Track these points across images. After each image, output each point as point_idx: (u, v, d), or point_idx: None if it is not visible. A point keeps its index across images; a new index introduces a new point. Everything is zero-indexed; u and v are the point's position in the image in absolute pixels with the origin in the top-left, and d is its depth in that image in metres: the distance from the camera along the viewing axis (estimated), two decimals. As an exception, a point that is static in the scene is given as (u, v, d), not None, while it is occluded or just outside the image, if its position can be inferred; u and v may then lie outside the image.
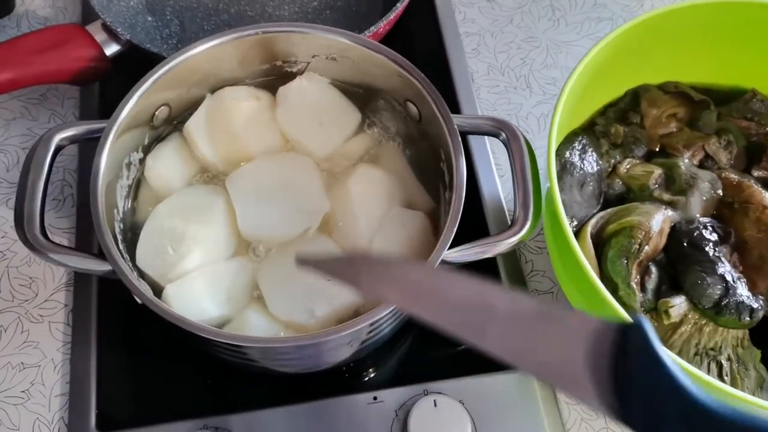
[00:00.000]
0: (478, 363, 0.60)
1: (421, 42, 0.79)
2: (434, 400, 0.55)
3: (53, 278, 0.64)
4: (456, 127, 0.53)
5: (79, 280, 0.63)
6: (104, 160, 0.51)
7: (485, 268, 0.62)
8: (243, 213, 0.55)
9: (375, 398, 0.58)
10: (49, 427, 0.58)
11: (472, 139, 0.71)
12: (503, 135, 0.55)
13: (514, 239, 0.51)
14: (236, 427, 0.57)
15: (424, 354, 0.62)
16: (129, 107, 0.53)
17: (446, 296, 0.32)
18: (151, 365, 0.61)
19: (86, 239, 0.64)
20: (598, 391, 0.26)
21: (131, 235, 0.56)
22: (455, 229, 0.49)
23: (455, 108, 0.73)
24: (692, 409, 0.24)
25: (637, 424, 0.26)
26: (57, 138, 0.53)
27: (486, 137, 0.67)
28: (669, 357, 0.26)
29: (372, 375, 0.61)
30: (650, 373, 0.25)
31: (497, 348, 0.29)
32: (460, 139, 0.53)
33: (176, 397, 0.59)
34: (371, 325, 0.47)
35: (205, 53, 0.56)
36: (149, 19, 0.76)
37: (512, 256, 0.66)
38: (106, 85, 0.72)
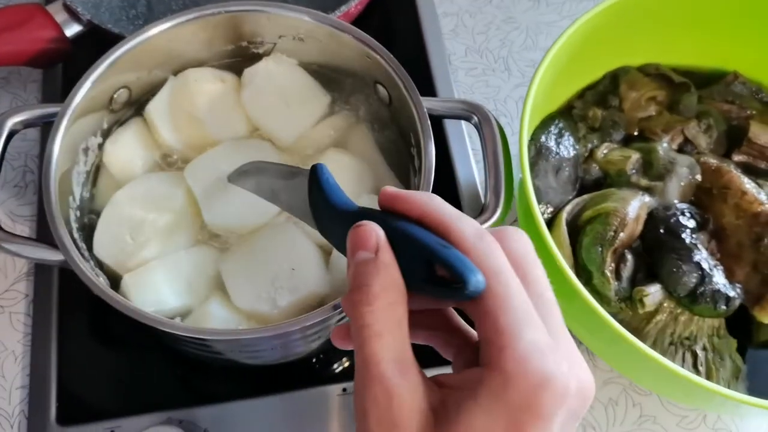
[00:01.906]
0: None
1: (398, 22, 0.77)
2: (403, 392, 0.53)
3: (14, 268, 0.62)
4: (425, 110, 0.51)
5: (40, 270, 0.61)
6: (57, 145, 0.49)
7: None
8: (206, 204, 0.53)
9: (344, 389, 0.57)
10: (9, 420, 0.56)
11: (449, 124, 0.69)
12: (475, 118, 0.53)
13: (485, 226, 0.49)
14: (203, 419, 0.55)
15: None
16: (84, 90, 0.51)
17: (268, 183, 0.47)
18: (115, 357, 0.60)
19: (47, 228, 0.62)
20: (313, 216, 0.38)
21: (90, 223, 0.54)
22: (422, 216, 0.48)
23: (431, 91, 0.71)
24: (334, 211, 0.36)
25: (327, 232, 0.38)
26: (10, 122, 0.51)
27: (462, 121, 0.66)
28: (327, 181, 0.37)
29: (342, 366, 0.59)
30: (318, 196, 0.37)
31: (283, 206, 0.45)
32: (429, 122, 0.51)
33: (140, 390, 0.58)
34: (326, 319, 0.45)
35: (165, 34, 0.54)
36: (115, -2, 0.73)
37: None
38: (68, 67, 0.69)
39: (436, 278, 0.31)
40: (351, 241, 0.32)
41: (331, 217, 0.36)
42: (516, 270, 0.31)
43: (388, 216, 0.33)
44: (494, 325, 0.29)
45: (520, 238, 0.32)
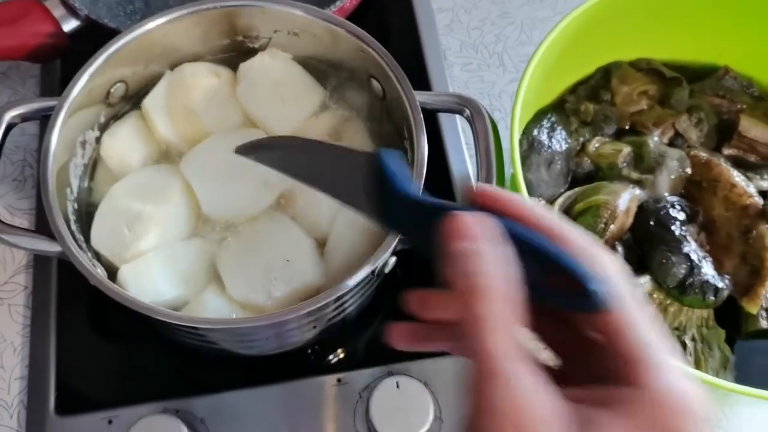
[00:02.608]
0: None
1: (393, 18, 0.77)
2: (396, 382, 0.54)
3: (13, 260, 0.63)
4: (418, 103, 0.52)
5: (39, 263, 0.62)
6: (55, 138, 0.50)
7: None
8: (204, 194, 0.54)
9: (339, 380, 0.58)
10: (8, 410, 0.57)
11: (443, 118, 0.70)
12: (467, 112, 0.53)
13: (476, 218, 0.50)
14: (199, 409, 0.56)
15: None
16: (81, 85, 0.51)
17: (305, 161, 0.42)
18: (113, 348, 0.61)
19: (46, 221, 0.63)
20: (370, 206, 0.35)
21: (87, 215, 0.54)
22: (414, 208, 0.48)
23: (426, 86, 0.72)
24: (407, 203, 0.33)
25: (389, 222, 0.35)
26: (8, 116, 0.51)
27: (457, 115, 0.66)
28: (392, 169, 0.33)
29: (338, 357, 0.60)
30: (383, 186, 0.33)
31: (322, 188, 0.40)
32: (421, 116, 0.51)
33: (138, 380, 0.58)
34: (319, 310, 0.46)
35: (161, 28, 0.55)
36: (113, -7, 0.74)
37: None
38: (67, 62, 0.70)
39: (548, 286, 0.29)
40: (451, 229, 0.29)
41: (402, 208, 0.33)
42: None
43: (500, 218, 0.30)
44: (636, 341, 0.28)
45: (617, 258, 0.32)
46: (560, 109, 0.63)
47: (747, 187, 0.56)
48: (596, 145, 0.60)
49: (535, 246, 0.29)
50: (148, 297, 0.49)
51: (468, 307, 0.28)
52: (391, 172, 0.33)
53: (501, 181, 0.51)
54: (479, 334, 0.27)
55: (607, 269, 0.29)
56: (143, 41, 0.54)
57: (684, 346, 0.53)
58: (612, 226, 0.54)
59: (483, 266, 0.28)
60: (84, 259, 0.46)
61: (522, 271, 0.29)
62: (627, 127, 0.62)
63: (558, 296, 0.29)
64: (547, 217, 0.31)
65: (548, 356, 0.32)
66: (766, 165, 0.60)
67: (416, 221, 0.32)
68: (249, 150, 0.47)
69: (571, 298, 0.28)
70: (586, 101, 0.62)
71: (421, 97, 0.53)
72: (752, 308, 0.54)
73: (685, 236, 0.54)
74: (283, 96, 0.58)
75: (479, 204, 0.31)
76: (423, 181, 0.49)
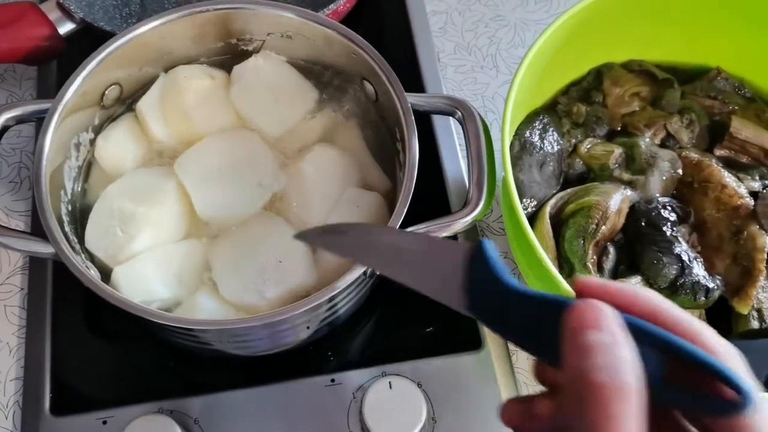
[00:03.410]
0: (438, 345, 0.60)
1: (387, 20, 0.78)
2: (389, 382, 0.55)
3: (9, 262, 0.63)
4: (409, 105, 0.52)
5: (35, 264, 0.62)
6: (48, 140, 0.50)
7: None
8: (198, 196, 0.54)
9: (333, 380, 0.58)
10: (3, 411, 0.57)
11: (437, 119, 0.70)
12: (459, 114, 0.54)
13: (468, 219, 0.50)
14: (194, 409, 0.56)
15: (383, 336, 0.62)
16: (75, 87, 0.52)
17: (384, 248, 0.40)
18: (108, 348, 0.61)
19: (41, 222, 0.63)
20: (461, 297, 0.33)
21: (82, 217, 0.55)
22: (405, 209, 0.49)
23: (420, 88, 0.72)
24: (510, 295, 0.32)
25: (481, 314, 0.33)
26: (2, 118, 0.52)
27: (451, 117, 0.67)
28: (497, 262, 0.33)
29: (331, 357, 0.60)
30: (485, 276, 0.33)
31: (408, 281, 0.36)
32: (413, 117, 0.52)
33: (132, 381, 0.59)
34: (311, 310, 0.46)
35: (155, 31, 0.55)
36: (108, -3, 0.74)
37: (474, 237, 0.65)
38: (63, 64, 0.70)
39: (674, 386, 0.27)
40: (581, 318, 0.28)
41: (505, 302, 0.32)
42: None
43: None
44: None
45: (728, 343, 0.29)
46: (552, 111, 0.63)
47: (738, 187, 0.57)
48: (588, 147, 0.60)
49: (661, 339, 0.27)
50: (141, 298, 0.50)
51: (599, 406, 0.26)
52: (498, 266, 0.32)
53: (492, 182, 0.51)
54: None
55: (740, 369, 0.27)
56: (137, 44, 0.55)
57: (675, 346, 0.53)
58: (603, 227, 0.54)
59: (618, 362, 0.26)
60: (77, 261, 0.46)
61: (646, 367, 0.27)
62: (619, 129, 0.63)
63: (690, 397, 0.27)
64: (673, 312, 0.29)
65: None
66: (757, 166, 0.60)
67: (522, 316, 0.30)
68: (317, 235, 0.45)
69: (704, 398, 0.27)
70: (578, 102, 0.63)
71: (413, 99, 0.53)
72: (743, 309, 0.54)
73: (676, 237, 0.54)
74: (277, 98, 0.58)
75: (592, 297, 0.29)
76: (414, 182, 0.50)
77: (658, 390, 0.27)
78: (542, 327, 0.30)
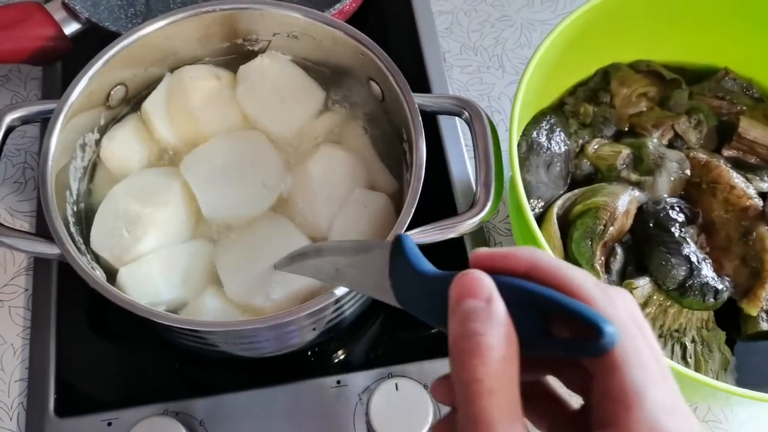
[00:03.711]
0: (444, 346, 0.60)
1: (393, 20, 0.78)
2: (396, 384, 0.54)
3: (14, 263, 0.63)
4: (416, 105, 0.52)
5: (39, 265, 0.62)
6: (54, 141, 0.50)
7: (453, 250, 0.61)
8: (204, 196, 0.54)
9: (338, 382, 0.58)
10: (8, 412, 0.57)
11: (443, 120, 0.70)
12: (466, 114, 0.53)
13: (475, 220, 0.50)
14: (199, 411, 0.56)
15: (390, 337, 0.61)
16: (80, 87, 0.51)
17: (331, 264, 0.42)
18: (113, 350, 0.61)
19: (46, 223, 0.63)
20: (390, 291, 0.34)
21: (87, 217, 0.55)
22: (413, 210, 0.48)
23: (426, 88, 0.72)
24: (423, 279, 0.32)
25: (409, 305, 0.34)
26: (7, 118, 0.52)
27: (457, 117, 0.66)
28: (412, 251, 0.34)
29: (337, 359, 0.60)
30: (404, 266, 0.33)
31: (347, 283, 0.40)
32: (420, 117, 0.52)
33: (137, 382, 0.58)
34: (318, 312, 0.46)
35: (161, 31, 0.55)
36: (114, -3, 0.74)
37: (481, 238, 0.65)
38: (68, 65, 0.70)
39: (551, 335, 0.28)
40: (456, 291, 0.29)
41: (416, 284, 0.33)
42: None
43: (494, 275, 0.30)
44: (621, 382, 0.26)
45: (629, 297, 0.30)
46: (559, 111, 0.63)
47: (747, 188, 0.56)
48: (595, 147, 0.60)
49: (532, 295, 0.28)
50: (147, 299, 0.50)
51: (463, 370, 0.27)
52: (412, 251, 0.33)
53: (500, 182, 0.51)
54: (476, 399, 0.26)
55: (614, 308, 0.28)
56: (143, 44, 0.54)
57: (684, 347, 0.53)
58: (611, 228, 0.54)
59: (480, 325, 0.27)
60: (82, 262, 0.46)
61: (523, 325, 0.28)
62: (626, 129, 0.62)
63: (562, 346, 0.28)
64: (552, 263, 0.29)
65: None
66: (765, 166, 0.60)
67: (430, 297, 0.31)
68: (284, 264, 0.48)
69: (574, 344, 0.27)
70: (585, 103, 0.62)
71: (420, 99, 0.53)
72: (752, 310, 0.54)
73: (684, 238, 0.54)
74: (283, 98, 0.58)
75: (479, 267, 0.30)
76: (421, 183, 0.49)
77: (535, 344, 0.28)
78: (443, 305, 0.30)
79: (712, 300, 0.52)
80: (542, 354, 0.30)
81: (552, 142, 0.59)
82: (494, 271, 0.30)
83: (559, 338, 0.28)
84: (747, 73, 0.65)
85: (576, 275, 0.29)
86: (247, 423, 0.56)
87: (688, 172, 0.58)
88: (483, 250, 0.31)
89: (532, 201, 0.57)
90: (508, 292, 0.28)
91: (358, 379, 0.57)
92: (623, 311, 0.29)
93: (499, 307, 0.28)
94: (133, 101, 0.59)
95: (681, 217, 0.55)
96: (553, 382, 0.33)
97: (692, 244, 0.54)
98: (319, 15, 0.55)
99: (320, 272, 0.44)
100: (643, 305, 0.53)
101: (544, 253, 0.30)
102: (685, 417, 0.27)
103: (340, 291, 0.46)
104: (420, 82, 0.72)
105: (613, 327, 0.27)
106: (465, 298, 0.28)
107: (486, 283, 0.28)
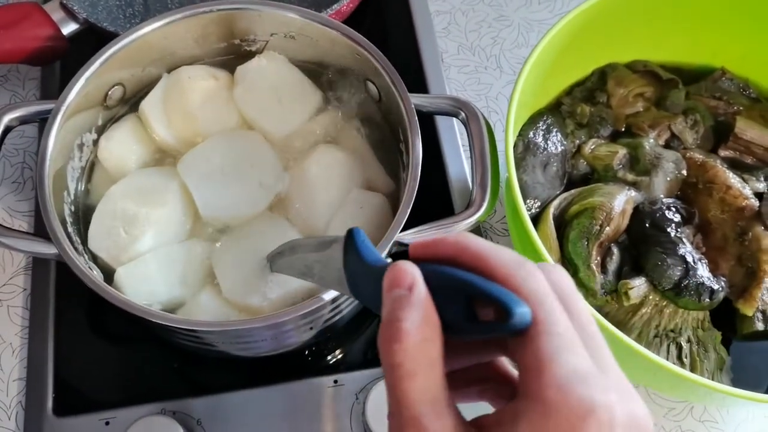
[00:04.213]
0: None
1: (391, 20, 0.78)
2: (392, 383, 0.54)
3: (12, 262, 0.63)
4: (413, 106, 0.52)
5: (38, 265, 0.62)
6: (52, 141, 0.50)
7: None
8: (201, 196, 0.54)
9: (335, 382, 0.58)
10: (6, 411, 0.57)
11: (440, 120, 0.70)
12: (462, 114, 0.53)
13: (471, 220, 0.50)
14: (197, 410, 0.56)
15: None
16: (78, 87, 0.52)
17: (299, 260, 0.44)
18: (111, 349, 0.61)
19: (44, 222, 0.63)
20: (345, 283, 0.35)
21: (85, 217, 0.55)
22: (409, 211, 0.49)
23: (424, 88, 0.72)
24: (368, 269, 0.33)
25: (361, 296, 0.35)
26: (5, 119, 0.52)
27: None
28: (363, 242, 0.34)
29: (334, 358, 0.60)
30: (353, 258, 0.34)
31: (316, 279, 0.41)
32: (416, 118, 0.52)
33: (135, 382, 0.59)
34: (314, 311, 0.46)
35: (159, 31, 0.55)
36: (112, -3, 0.74)
37: (478, 238, 0.65)
38: (66, 65, 0.70)
39: (476, 318, 0.29)
40: (386, 281, 0.30)
41: (365, 275, 0.34)
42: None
43: (423, 263, 0.31)
44: (534, 352, 0.27)
45: (560, 272, 0.30)
46: (556, 111, 0.63)
47: (743, 188, 0.56)
48: (592, 147, 0.60)
49: (453, 280, 0.29)
50: (144, 299, 0.50)
51: (386, 355, 0.28)
52: (362, 243, 0.34)
53: (496, 183, 0.51)
54: (397, 383, 0.27)
55: (534, 283, 0.28)
56: (141, 44, 0.55)
57: (680, 347, 0.53)
58: (607, 228, 0.54)
59: (401, 312, 0.28)
60: (80, 262, 0.46)
61: (450, 310, 0.28)
62: (623, 129, 0.62)
63: (482, 328, 0.29)
64: (474, 245, 0.30)
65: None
66: (762, 166, 0.60)
67: (376, 288, 0.32)
68: (273, 263, 0.49)
69: (492, 326, 0.28)
70: (582, 103, 0.63)
71: (416, 99, 0.53)
72: (748, 310, 0.54)
73: (680, 238, 0.54)
74: (280, 98, 0.58)
75: (418, 257, 0.31)
76: (417, 183, 0.50)
77: (461, 328, 0.29)
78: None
79: (707, 300, 0.53)
80: (469, 337, 0.31)
81: (549, 142, 0.60)
82: (426, 259, 0.31)
83: (481, 321, 0.29)
84: (744, 73, 0.65)
85: (499, 256, 0.29)
86: (245, 422, 0.56)
87: (684, 172, 0.58)
88: (417, 241, 0.32)
89: (528, 201, 0.57)
90: (434, 279, 0.29)
91: (356, 379, 0.58)
92: (544, 285, 0.29)
93: (419, 293, 0.28)
94: (131, 101, 0.59)
95: (677, 218, 0.55)
96: (508, 362, 0.33)
97: (688, 245, 0.54)
98: (317, 15, 0.55)
99: (294, 269, 0.45)
100: (639, 305, 0.53)
101: (472, 237, 0.31)
102: (608, 382, 0.26)
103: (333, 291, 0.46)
104: (417, 81, 0.72)
105: (523, 305, 0.27)
106: (393, 287, 0.29)
107: (409, 271, 0.29)
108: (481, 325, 0.29)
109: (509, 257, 0.29)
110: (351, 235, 0.35)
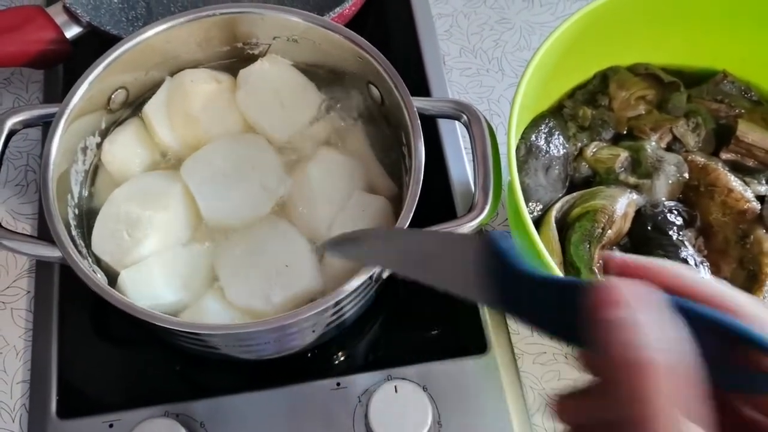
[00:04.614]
0: (443, 348, 0.60)
1: (393, 23, 0.78)
2: (395, 386, 0.55)
3: (16, 265, 0.63)
4: (415, 109, 0.52)
5: (41, 267, 0.62)
6: (56, 145, 0.50)
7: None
8: (204, 200, 0.54)
9: (338, 384, 0.58)
10: (10, 414, 0.58)
11: (443, 123, 0.70)
12: (464, 118, 0.54)
13: (473, 223, 0.50)
14: (200, 413, 0.57)
15: (389, 339, 0.62)
16: (81, 91, 0.52)
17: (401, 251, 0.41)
18: (115, 352, 0.61)
19: (48, 226, 0.64)
20: (479, 290, 0.33)
21: (88, 220, 0.55)
22: (411, 214, 0.49)
23: (426, 91, 0.72)
24: (525, 280, 0.31)
25: (503, 305, 0.33)
26: (9, 122, 0.52)
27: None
28: (512, 251, 0.32)
29: (337, 361, 0.60)
30: (506, 265, 0.32)
31: (428, 280, 0.36)
32: (419, 121, 0.52)
33: (139, 384, 0.59)
34: (318, 314, 0.46)
35: (162, 35, 0.55)
36: (115, 0, 0.74)
37: (480, 240, 0.65)
38: (69, 68, 0.71)
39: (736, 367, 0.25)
40: (604, 298, 0.26)
41: (524, 290, 0.31)
42: None
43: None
44: None
45: None
46: (558, 114, 0.63)
47: (744, 191, 0.56)
48: (594, 150, 0.60)
49: (709, 319, 0.25)
50: (147, 302, 0.50)
51: (632, 386, 0.24)
52: (512, 254, 0.32)
53: (498, 186, 0.51)
54: (646, 423, 0.24)
55: None
56: (144, 48, 0.55)
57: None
58: (609, 231, 0.54)
59: (647, 338, 0.24)
60: (84, 265, 0.46)
61: (698, 350, 0.25)
62: (624, 132, 0.63)
63: (739, 376, 0.25)
64: (709, 285, 0.26)
65: None
66: (763, 169, 0.60)
67: (543, 301, 0.30)
68: (336, 245, 0.47)
69: (759, 377, 0.25)
70: (584, 106, 0.63)
71: (418, 103, 0.53)
72: (750, 313, 0.54)
73: (682, 241, 0.54)
74: (283, 102, 0.58)
75: (626, 276, 0.27)
76: (420, 186, 0.50)
77: (715, 374, 0.25)
78: (566, 310, 0.28)
79: (709, 303, 0.53)
80: (719, 386, 0.26)
81: (550, 145, 0.60)
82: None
83: (743, 368, 0.25)
84: (745, 76, 0.65)
85: (748, 303, 0.26)
86: (247, 425, 0.56)
87: (686, 175, 0.58)
88: (622, 258, 0.28)
89: (530, 204, 0.58)
90: (681, 311, 0.25)
91: (358, 381, 0.58)
92: None
93: (676, 321, 0.25)
94: (134, 105, 0.59)
95: (679, 220, 0.55)
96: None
97: (690, 247, 0.54)
98: (319, 19, 0.55)
99: (381, 260, 0.43)
100: (641, 308, 0.53)
101: (688, 270, 0.27)
102: None
103: (340, 294, 0.46)
104: (420, 85, 0.72)
105: None
106: (622, 307, 0.25)
107: (646, 292, 0.25)
108: (738, 376, 0.25)
109: (746, 299, 0.26)
110: (495, 241, 0.32)
